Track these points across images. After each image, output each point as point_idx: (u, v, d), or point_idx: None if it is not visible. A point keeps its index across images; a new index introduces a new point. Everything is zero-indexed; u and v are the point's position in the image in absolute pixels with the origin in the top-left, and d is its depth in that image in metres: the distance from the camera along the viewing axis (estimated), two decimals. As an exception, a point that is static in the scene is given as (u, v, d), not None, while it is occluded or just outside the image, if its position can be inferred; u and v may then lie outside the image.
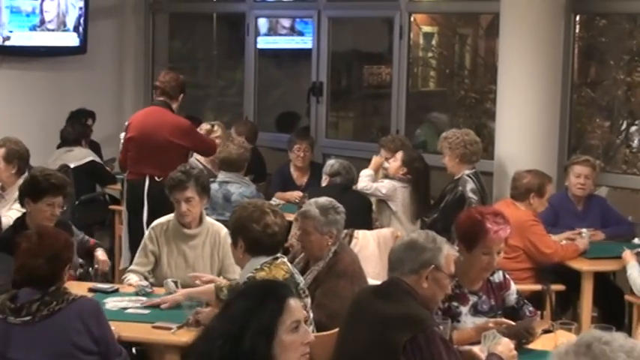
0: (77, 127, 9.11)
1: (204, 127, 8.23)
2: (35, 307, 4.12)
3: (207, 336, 2.97)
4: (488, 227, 4.56)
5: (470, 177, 7.24)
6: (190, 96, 11.56)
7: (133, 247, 6.69)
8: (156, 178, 7.17)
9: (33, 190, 5.68)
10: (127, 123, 7.63)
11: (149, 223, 6.29)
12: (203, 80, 11.95)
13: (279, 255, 4.69)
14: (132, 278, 5.67)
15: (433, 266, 3.96)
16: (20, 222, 5.73)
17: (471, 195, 7.13)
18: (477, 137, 7.46)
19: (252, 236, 4.62)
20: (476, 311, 4.60)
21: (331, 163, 7.46)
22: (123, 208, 7.69)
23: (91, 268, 5.98)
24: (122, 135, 7.71)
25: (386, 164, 7.70)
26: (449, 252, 4.05)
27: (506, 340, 4.08)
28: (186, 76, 11.78)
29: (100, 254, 6.04)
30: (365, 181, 7.40)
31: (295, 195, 8.12)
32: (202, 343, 2.98)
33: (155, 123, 7.38)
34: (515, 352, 4.03)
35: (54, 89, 9.90)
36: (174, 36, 11.64)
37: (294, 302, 2.97)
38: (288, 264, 4.71)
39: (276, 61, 11.15)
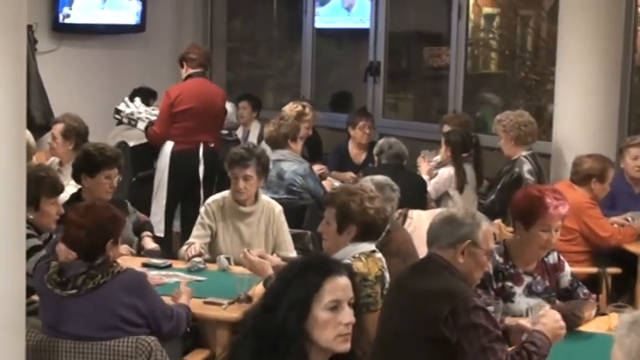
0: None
1: (293, 108, 8.17)
2: (81, 280, 4.18)
3: (251, 308, 2.98)
4: (548, 202, 4.53)
5: (527, 158, 7.19)
6: (250, 76, 11.68)
7: (189, 212, 7.40)
8: (210, 145, 7.79)
9: (89, 165, 5.75)
10: (172, 95, 7.75)
11: (205, 187, 7.21)
12: (263, 60, 11.94)
13: (375, 248, 4.64)
14: (193, 245, 5.64)
15: (470, 241, 3.93)
16: (76, 197, 5.79)
17: (528, 176, 7.07)
18: (532, 118, 7.38)
19: (366, 221, 4.55)
20: (530, 292, 4.57)
21: (379, 143, 7.50)
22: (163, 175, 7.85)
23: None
24: (147, 108, 8.09)
25: (437, 157, 7.67)
26: (487, 228, 4.02)
27: (552, 311, 4.02)
28: (246, 56, 11.97)
29: (148, 243, 5.96)
30: (432, 192, 7.38)
31: (348, 176, 8.11)
32: (246, 314, 2.98)
33: (211, 93, 7.96)
34: (562, 324, 3.95)
35: (113, 67, 9.93)
36: (233, 15, 11.63)
37: (341, 280, 2.90)
38: (384, 260, 4.64)
39: (334, 41, 11.10)
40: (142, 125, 7.99)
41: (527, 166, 7.14)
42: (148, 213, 7.44)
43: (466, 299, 3.72)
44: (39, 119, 8.76)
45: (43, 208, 5.18)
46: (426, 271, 3.93)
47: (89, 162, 5.78)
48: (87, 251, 4.25)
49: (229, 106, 8.25)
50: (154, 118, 7.95)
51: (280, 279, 2.97)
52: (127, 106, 8.12)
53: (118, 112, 8.10)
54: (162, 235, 7.71)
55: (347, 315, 2.87)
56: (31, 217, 5.07)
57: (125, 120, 8.09)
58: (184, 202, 7.84)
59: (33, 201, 5.04)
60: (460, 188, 7.35)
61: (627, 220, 6.67)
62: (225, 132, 8.02)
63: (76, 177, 5.88)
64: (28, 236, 4.94)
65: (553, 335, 3.89)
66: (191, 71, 7.92)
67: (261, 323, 2.86)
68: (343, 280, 2.92)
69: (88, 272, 4.19)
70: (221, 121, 8.13)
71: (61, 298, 4.18)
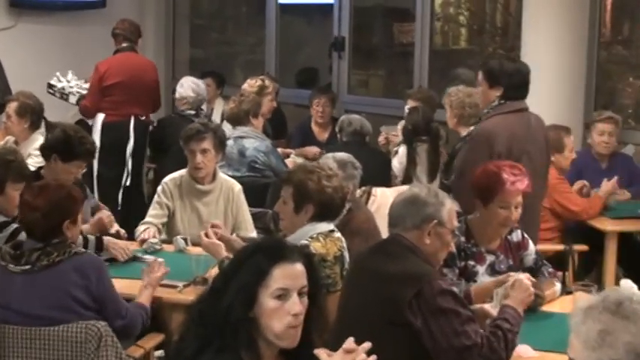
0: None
1: (253, 84, 7.98)
2: (35, 256, 4.05)
3: (202, 291, 2.87)
4: (505, 178, 4.42)
5: None
6: (217, 53, 11.52)
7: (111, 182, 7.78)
8: (141, 118, 7.97)
9: (66, 151, 5.49)
10: (102, 69, 7.89)
11: (134, 159, 7.67)
12: (230, 37, 11.77)
13: (334, 227, 4.51)
14: (148, 229, 5.52)
15: (436, 221, 3.81)
16: (35, 175, 5.59)
17: None
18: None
19: (324, 200, 4.40)
20: (493, 271, 4.47)
21: (339, 120, 7.38)
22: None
23: None
24: (79, 82, 8.16)
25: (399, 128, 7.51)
26: (451, 207, 3.91)
27: (521, 279, 3.91)
28: (213, 32, 11.81)
29: (106, 215, 5.69)
30: (396, 171, 7.21)
31: (314, 150, 7.98)
32: (196, 297, 2.87)
33: (140, 66, 8.14)
34: (532, 290, 3.87)
35: (72, 44, 9.76)
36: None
37: (292, 267, 2.74)
38: (343, 240, 4.52)
39: (300, 17, 10.94)
40: (73, 99, 8.09)
41: None
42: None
43: (431, 282, 3.62)
44: (-4, 97, 8.60)
45: (8, 192, 4.96)
46: (389, 253, 3.81)
47: (68, 147, 5.51)
48: (44, 233, 4.12)
49: (196, 83, 8.05)
50: (84, 92, 8.03)
51: (231, 262, 2.86)
52: (59, 80, 8.11)
53: (50, 86, 8.12)
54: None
55: (295, 305, 2.71)
56: None
57: (57, 95, 8.11)
58: (107, 174, 7.91)
59: None
60: (407, 178, 7.06)
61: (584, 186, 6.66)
62: (192, 112, 7.82)
63: (46, 154, 5.66)
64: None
65: (523, 305, 3.81)
66: (118, 46, 8.12)
67: (207, 307, 2.74)
68: (295, 268, 2.76)
69: (44, 249, 4.07)
70: (154, 93, 8.23)
71: (13, 274, 4.06)
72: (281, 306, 2.71)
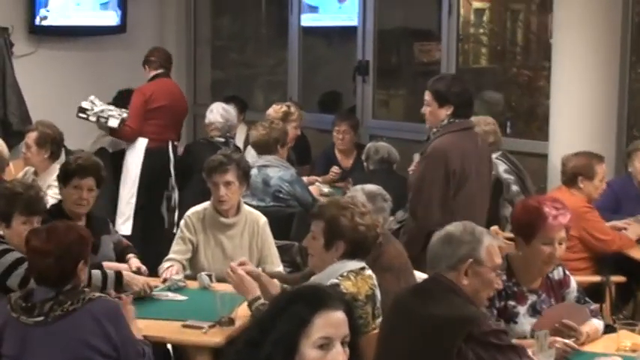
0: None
1: (278, 110, 7.88)
2: (48, 306, 3.87)
3: (236, 339, 2.70)
4: (547, 212, 4.24)
5: (499, 159, 6.95)
6: (238, 75, 11.38)
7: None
8: (175, 143, 8.17)
9: (61, 173, 5.46)
10: (147, 92, 7.99)
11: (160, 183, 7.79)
12: (252, 59, 11.63)
13: (365, 265, 4.33)
14: (171, 267, 5.34)
15: (472, 260, 3.67)
16: (56, 209, 5.44)
17: (506, 176, 6.86)
18: (488, 125, 7.05)
19: (357, 238, 4.24)
20: (534, 311, 4.28)
21: (366, 148, 7.28)
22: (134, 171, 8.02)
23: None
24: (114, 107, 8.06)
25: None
26: (490, 243, 3.75)
27: None
28: (234, 54, 11.66)
29: (133, 264, 5.49)
30: None
31: (335, 171, 7.88)
32: (230, 346, 2.71)
33: (177, 92, 8.37)
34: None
35: (93, 70, 9.63)
36: (218, 13, 11.34)
37: (334, 315, 2.59)
38: (374, 277, 4.33)
39: (321, 39, 10.79)
40: (114, 122, 7.91)
41: (502, 167, 6.95)
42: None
43: (480, 324, 3.49)
44: (16, 125, 8.58)
45: (14, 226, 4.80)
46: (431, 294, 3.67)
47: (62, 170, 5.49)
48: (58, 278, 3.94)
49: (225, 109, 7.94)
50: (125, 115, 7.95)
51: (267, 311, 2.71)
52: (94, 104, 7.96)
53: (82, 110, 7.92)
54: (129, 232, 7.75)
55: (338, 355, 2.57)
56: (0, 232, 4.78)
57: (93, 118, 7.93)
58: (150, 201, 8.03)
59: (5, 216, 4.78)
60: None
61: (627, 225, 6.41)
62: (221, 139, 7.68)
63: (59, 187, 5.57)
64: (6, 251, 4.67)
65: None
66: (154, 72, 8.21)
67: (245, 358, 2.59)
68: (337, 316, 2.61)
69: (57, 298, 3.89)
70: (183, 120, 8.59)
71: (26, 327, 3.88)
72: (323, 356, 2.55)
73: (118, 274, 4.94)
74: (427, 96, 5.69)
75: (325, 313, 2.59)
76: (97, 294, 4.05)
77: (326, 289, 2.80)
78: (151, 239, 7.60)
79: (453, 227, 3.84)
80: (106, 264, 5.23)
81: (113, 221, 7.94)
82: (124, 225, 7.95)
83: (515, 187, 6.99)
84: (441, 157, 5.51)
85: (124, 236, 7.31)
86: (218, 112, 7.81)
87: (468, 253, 3.69)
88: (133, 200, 7.96)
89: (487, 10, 10.16)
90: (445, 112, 5.58)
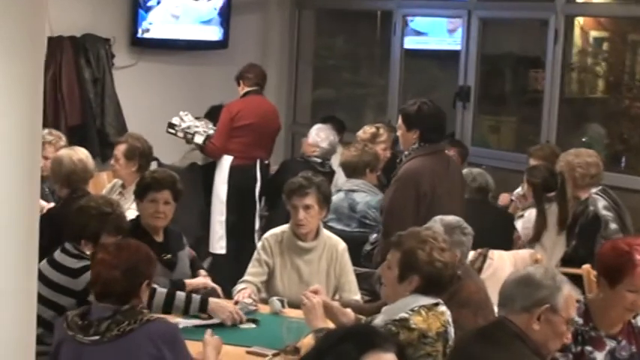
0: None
1: (367, 131, 7.77)
2: (105, 326, 3.79)
3: None
4: (638, 260, 3.99)
5: (598, 194, 6.67)
6: (340, 95, 11.27)
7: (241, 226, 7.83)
8: (265, 162, 8.09)
9: (138, 187, 5.49)
10: (234, 110, 7.95)
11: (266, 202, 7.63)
12: (354, 80, 11.51)
13: (439, 300, 4.13)
14: (244, 289, 5.24)
15: (548, 305, 3.50)
16: (133, 225, 5.40)
17: (604, 212, 6.55)
18: (591, 157, 6.79)
19: (432, 274, 4.04)
20: (613, 358, 4.04)
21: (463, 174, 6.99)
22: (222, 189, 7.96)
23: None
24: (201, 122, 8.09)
25: (518, 190, 7.11)
26: (569, 293, 3.58)
27: None
28: (335, 75, 11.56)
29: (202, 278, 5.48)
30: (523, 235, 6.82)
31: None
32: None
33: (268, 110, 8.24)
34: None
35: (193, 84, 9.64)
36: (322, 33, 11.26)
37: (384, 357, 2.49)
38: (448, 314, 4.13)
39: (424, 62, 10.61)
40: (199, 139, 7.96)
41: (601, 203, 6.64)
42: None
43: None
44: (112, 136, 8.59)
45: None
46: (495, 340, 3.50)
47: (138, 184, 5.54)
48: (121, 294, 3.87)
49: (334, 135, 7.86)
50: (211, 132, 7.94)
51: (317, 347, 2.64)
52: (182, 120, 7.98)
53: (172, 126, 7.99)
54: (224, 251, 7.80)
55: None
56: (87, 252, 4.69)
57: (180, 134, 7.99)
58: (238, 219, 7.97)
59: (93, 236, 4.70)
60: (537, 236, 6.73)
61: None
62: (318, 160, 7.59)
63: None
64: (87, 268, 4.59)
65: None
66: (248, 89, 8.12)
67: None
68: (387, 357, 2.51)
69: (114, 317, 3.81)
70: (275, 138, 8.40)
71: (82, 345, 3.81)
72: None
73: (204, 300, 4.83)
74: (399, 119, 5.82)
75: (374, 354, 2.50)
76: (156, 315, 3.96)
77: (378, 329, 2.76)
78: (244, 259, 7.49)
79: (534, 269, 3.68)
80: (188, 282, 5.19)
81: (205, 238, 7.94)
82: (219, 243, 7.96)
83: (613, 225, 6.69)
84: (412, 180, 5.61)
85: (219, 255, 7.37)
86: (327, 137, 7.79)
87: (546, 297, 3.54)
88: (223, 218, 7.93)
89: (604, 40, 9.89)
90: (412, 136, 5.69)
